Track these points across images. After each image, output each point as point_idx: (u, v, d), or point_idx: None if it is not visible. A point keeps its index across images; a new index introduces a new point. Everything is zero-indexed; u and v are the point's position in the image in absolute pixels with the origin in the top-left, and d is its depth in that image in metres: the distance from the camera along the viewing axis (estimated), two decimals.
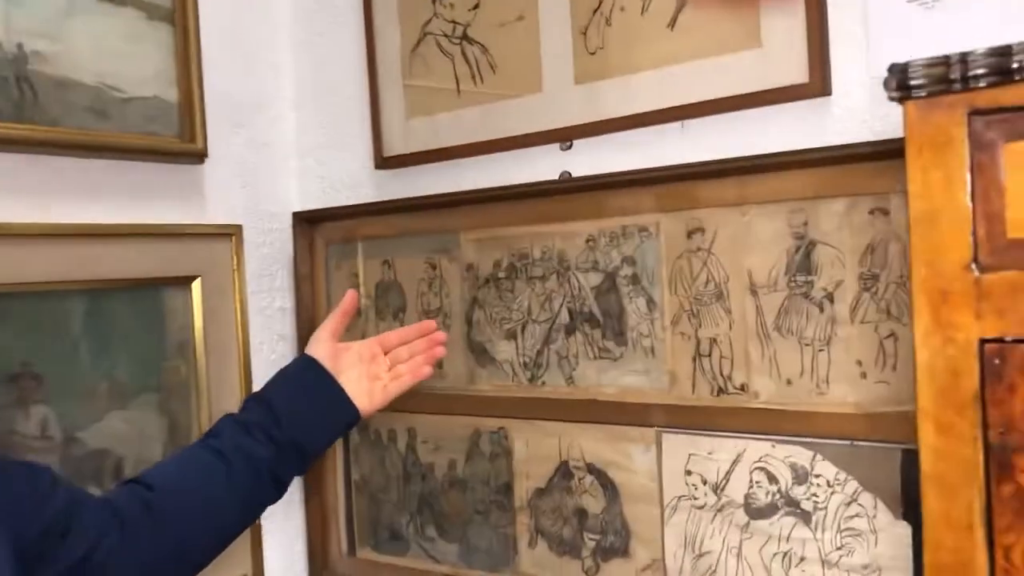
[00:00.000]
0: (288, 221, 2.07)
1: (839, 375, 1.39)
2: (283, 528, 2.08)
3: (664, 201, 1.55)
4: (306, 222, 2.05)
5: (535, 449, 1.74)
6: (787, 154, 1.40)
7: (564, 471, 1.70)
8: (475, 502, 1.83)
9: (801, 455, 1.43)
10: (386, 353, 1.55)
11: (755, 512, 1.48)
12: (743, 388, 1.49)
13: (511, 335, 1.76)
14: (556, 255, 1.69)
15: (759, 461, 1.47)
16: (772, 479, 1.46)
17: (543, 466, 1.73)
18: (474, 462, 1.83)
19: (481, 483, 1.82)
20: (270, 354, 2.07)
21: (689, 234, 1.53)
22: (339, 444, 2.05)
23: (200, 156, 1.86)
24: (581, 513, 1.68)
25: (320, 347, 1.52)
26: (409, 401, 1.87)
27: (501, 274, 1.77)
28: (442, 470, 1.88)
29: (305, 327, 2.06)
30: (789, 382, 1.44)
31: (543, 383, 1.72)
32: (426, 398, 1.88)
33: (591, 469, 1.67)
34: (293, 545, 2.10)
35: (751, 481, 1.48)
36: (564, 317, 1.69)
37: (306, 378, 1.49)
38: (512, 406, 1.76)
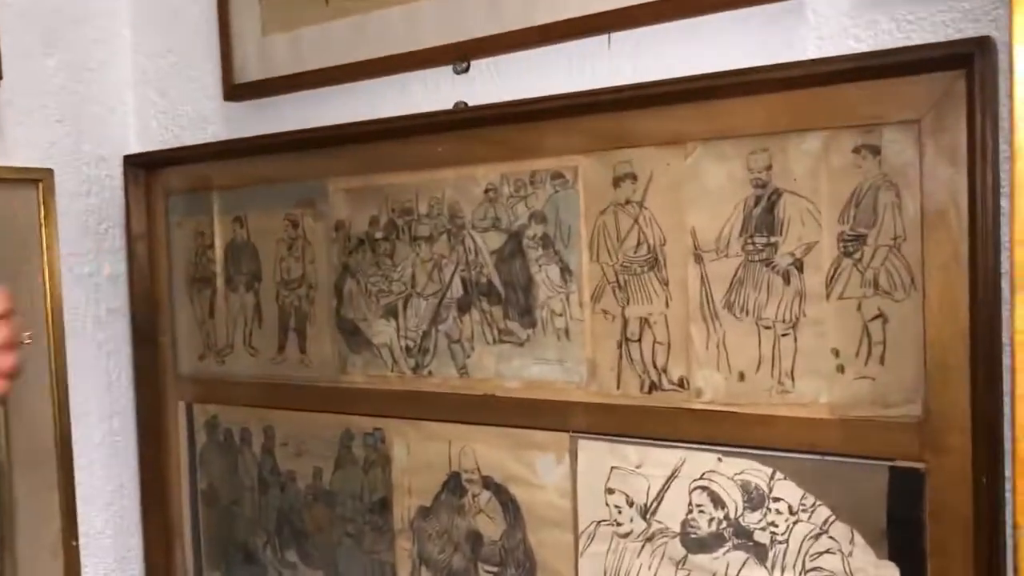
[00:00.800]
0: (118, 166, 1.65)
1: (808, 368, 1.06)
2: (114, 549, 1.67)
3: (585, 138, 1.19)
4: (141, 167, 1.64)
5: (419, 456, 1.37)
6: (746, 72, 1.05)
7: (455, 485, 1.34)
8: (345, 521, 1.45)
9: (756, 472, 1.10)
10: None
11: (695, 544, 1.14)
12: (682, 384, 1.14)
13: (390, 312, 1.39)
14: (447, 210, 1.32)
15: (701, 479, 1.13)
16: (718, 502, 1.12)
17: (429, 478, 1.36)
18: (344, 471, 1.45)
19: (352, 497, 1.44)
20: (96, 333, 1.65)
21: (616, 182, 1.17)
22: (184, 445, 1.65)
23: None
24: (475, 538, 1.32)
25: None
26: (262, 394, 1.49)
27: (379, 234, 1.39)
28: (305, 480, 1.50)
29: (141, 299, 1.65)
30: (742, 376, 1.10)
31: (429, 373, 1.35)
32: (285, 390, 1.50)
33: (488, 483, 1.31)
34: (127, 572, 1.69)
35: (690, 504, 1.14)
36: (457, 290, 1.32)
37: None
38: (391, 402, 1.39)
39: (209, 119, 1.61)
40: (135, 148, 1.69)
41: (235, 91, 1.55)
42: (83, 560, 1.60)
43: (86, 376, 1.63)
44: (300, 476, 1.51)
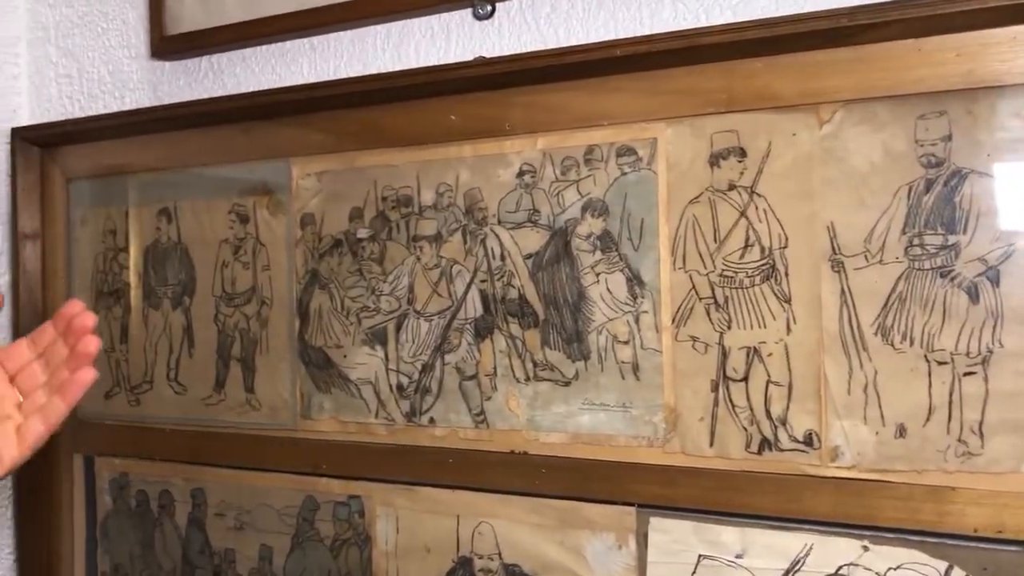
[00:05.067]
0: (5, 143, 1.26)
1: (1004, 421, 0.75)
2: None
3: (667, 99, 0.87)
4: (34, 144, 1.25)
5: (413, 536, 1.00)
6: (908, 4, 0.74)
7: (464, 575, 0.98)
8: None
9: (922, 567, 0.78)
10: (12, 378, 0.75)
11: None
12: (810, 441, 0.81)
13: (377, 337, 1.02)
14: (463, 199, 0.97)
15: (837, 575, 0.80)
16: None
17: (427, 565, 1.00)
18: (304, 553, 1.08)
19: None
20: None
21: (715, 159, 0.85)
22: (81, 512, 1.24)
23: None
24: None
25: None
26: (191, 445, 1.11)
27: (362, 232, 1.03)
28: (249, 563, 1.11)
29: (29, 315, 1.25)
30: (902, 431, 0.78)
31: (431, 421, 0.99)
32: (222, 441, 1.11)
33: (513, 575, 0.95)
34: None
35: None
36: (474, 307, 0.97)
37: None
38: (374, 460, 1.03)
39: (129, 83, 1.23)
40: (27, 120, 1.30)
41: (166, 45, 1.18)
42: None
43: None
44: (242, 558, 1.12)
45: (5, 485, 1.28)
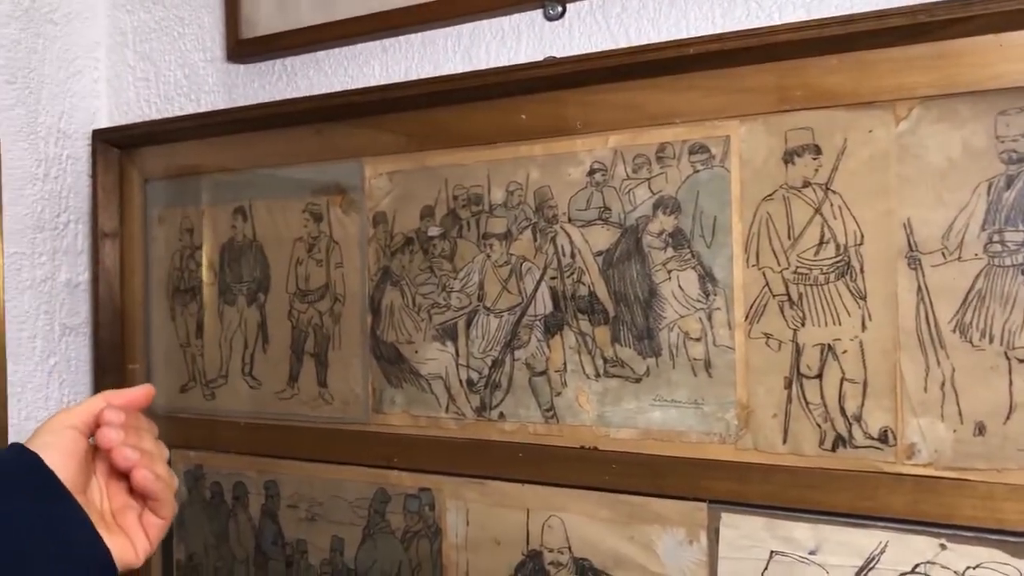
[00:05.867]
0: (86, 144, 1.29)
1: None
2: None
3: (741, 97, 0.87)
4: (115, 146, 1.29)
5: (483, 528, 1.02)
6: None
7: (534, 569, 0.99)
8: None
9: (1002, 567, 0.77)
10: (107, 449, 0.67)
11: None
12: (885, 438, 0.81)
13: (447, 333, 1.04)
14: (533, 198, 0.98)
15: (913, 573, 0.80)
16: None
17: (496, 558, 1.01)
18: (375, 544, 1.10)
19: None
20: (47, 357, 1.29)
21: (790, 156, 0.85)
22: None
23: None
24: None
25: (62, 441, 0.66)
26: (265, 439, 1.14)
27: (434, 231, 1.05)
28: (321, 554, 1.14)
29: (108, 315, 1.29)
30: (981, 429, 0.78)
31: (501, 416, 1.01)
32: (296, 435, 1.14)
33: (583, 568, 0.96)
34: None
35: None
36: (544, 304, 0.98)
37: (25, 494, 0.63)
38: (445, 453, 1.04)
39: (204, 86, 1.27)
40: (107, 122, 1.34)
41: (241, 49, 1.21)
42: None
43: (30, 412, 1.26)
44: (314, 549, 1.15)
45: None
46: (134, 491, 0.68)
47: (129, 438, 0.66)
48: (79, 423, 0.66)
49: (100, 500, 0.68)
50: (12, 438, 1.21)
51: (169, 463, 0.70)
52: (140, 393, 0.70)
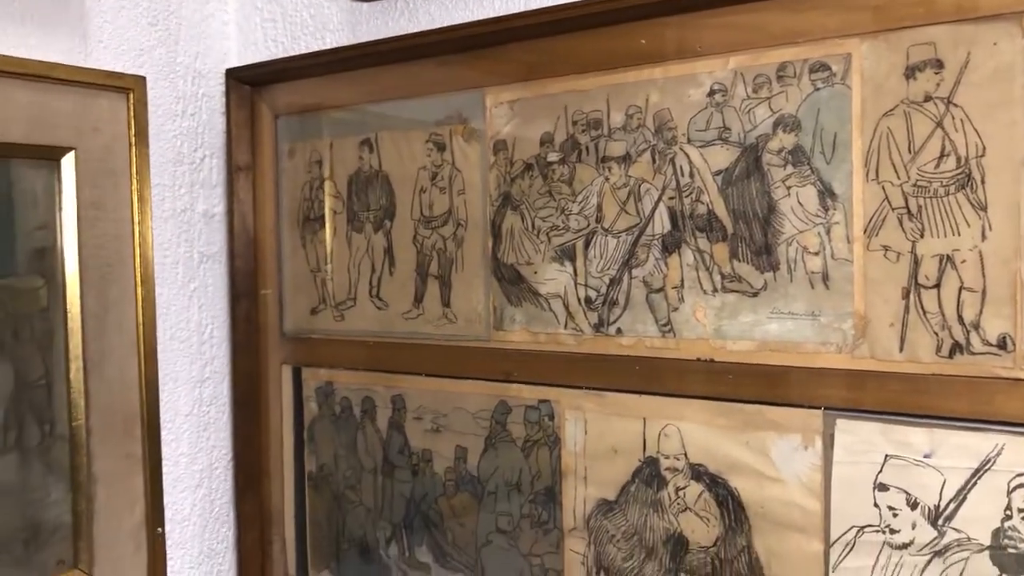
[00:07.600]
0: (219, 82, 1.38)
1: None
2: (200, 540, 1.41)
3: (862, 14, 0.89)
4: (246, 84, 1.37)
5: (601, 437, 1.08)
6: None
7: (650, 474, 1.05)
8: (496, 515, 1.17)
9: None
10: None
11: (1014, 562, 0.83)
12: (1003, 344, 0.84)
13: (566, 254, 1.09)
14: (652, 120, 1.02)
15: None
16: None
17: (614, 465, 1.07)
18: (497, 453, 1.17)
19: (507, 486, 1.16)
20: (187, 282, 1.39)
21: (911, 72, 0.87)
22: (289, 417, 1.38)
23: None
24: (677, 543, 1.03)
25: None
26: (391, 356, 1.22)
27: (553, 156, 1.09)
28: (445, 462, 1.21)
29: (242, 244, 1.39)
30: None
31: (618, 331, 1.06)
32: (421, 352, 1.22)
33: (699, 474, 1.01)
34: (216, 566, 1.43)
35: (1009, 508, 0.84)
36: (662, 223, 1.02)
37: None
38: (563, 367, 1.10)
39: (329, 24, 1.33)
40: (238, 61, 1.42)
41: None
42: (168, 551, 1.34)
43: (174, 333, 1.37)
44: (438, 458, 1.23)
45: (221, 393, 1.43)
46: None
47: None
48: None
49: None
50: (160, 357, 1.32)
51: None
52: None
